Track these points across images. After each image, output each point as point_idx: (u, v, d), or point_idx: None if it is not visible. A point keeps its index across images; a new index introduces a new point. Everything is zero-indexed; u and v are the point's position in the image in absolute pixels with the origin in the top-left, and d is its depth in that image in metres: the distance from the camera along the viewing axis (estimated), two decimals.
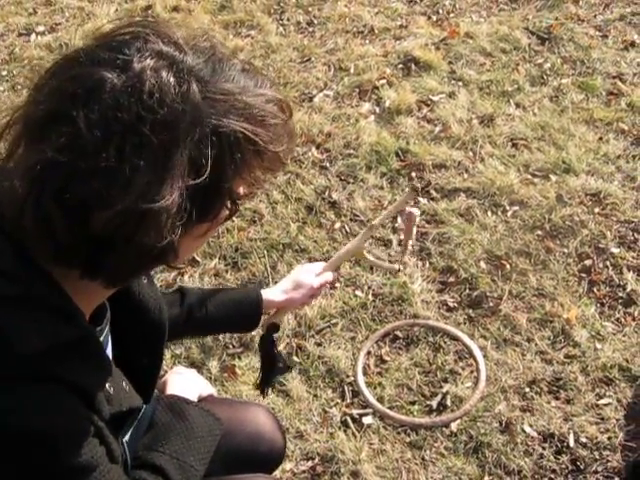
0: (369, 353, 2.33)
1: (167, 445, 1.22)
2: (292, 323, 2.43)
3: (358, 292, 2.50)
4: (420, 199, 2.84)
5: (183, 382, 1.48)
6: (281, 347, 2.38)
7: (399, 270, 1.73)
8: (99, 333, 1.07)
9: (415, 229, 1.65)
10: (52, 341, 0.87)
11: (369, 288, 2.51)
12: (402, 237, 1.59)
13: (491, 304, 2.43)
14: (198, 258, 2.71)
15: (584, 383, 2.19)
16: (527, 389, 2.19)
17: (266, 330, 1.67)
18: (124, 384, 1.06)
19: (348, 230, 2.75)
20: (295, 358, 2.34)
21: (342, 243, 2.70)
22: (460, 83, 3.41)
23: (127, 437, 1.22)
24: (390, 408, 2.17)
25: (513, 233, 2.66)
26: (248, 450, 1.57)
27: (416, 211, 1.56)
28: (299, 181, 2.98)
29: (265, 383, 1.80)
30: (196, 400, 1.45)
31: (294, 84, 3.50)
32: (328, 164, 3.06)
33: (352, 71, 3.55)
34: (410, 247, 1.68)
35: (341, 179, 2.98)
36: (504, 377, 2.22)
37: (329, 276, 1.63)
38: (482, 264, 2.55)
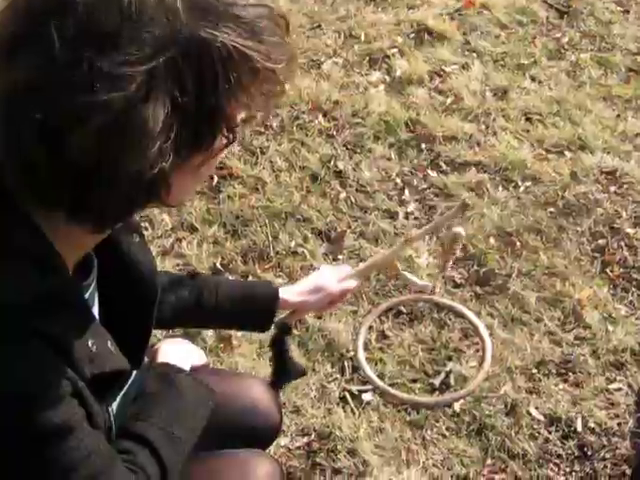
0: (371, 328, 2.24)
1: (155, 415, 1.15)
2: None
3: (362, 264, 2.40)
4: (429, 172, 2.74)
5: (176, 351, 1.40)
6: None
7: (433, 290, 1.63)
8: (85, 289, 0.99)
9: (457, 251, 1.49)
10: (32, 293, 0.81)
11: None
12: (441, 255, 1.47)
13: (499, 282, 2.34)
14: (197, 224, 2.62)
15: (594, 366, 2.10)
16: (534, 370, 2.10)
17: (277, 330, 1.57)
18: (109, 344, 0.97)
19: (353, 201, 2.65)
20: (294, 331, 2.25)
21: (346, 214, 2.60)
22: (474, 54, 3.28)
23: (115, 405, 1.14)
24: (391, 385, 2.08)
25: (525, 209, 2.56)
26: (242, 424, 1.49)
27: (462, 232, 1.42)
28: (304, 149, 2.87)
29: (276, 386, 1.71)
30: (189, 369, 1.37)
31: (303, 50, 3.37)
32: (335, 133, 2.95)
33: (363, 39, 3.43)
34: (448, 269, 1.56)
35: (348, 148, 2.88)
36: (511, 357, 2.13)
37: (352, 284, 1.50)
38: (491, 240, 2.46)
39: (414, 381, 2.11)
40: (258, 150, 2.89)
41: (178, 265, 2.48)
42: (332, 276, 1.49)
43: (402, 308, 2.29)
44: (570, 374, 2.09)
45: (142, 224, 2.63)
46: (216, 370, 1.55)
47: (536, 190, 2.62)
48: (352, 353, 2.18)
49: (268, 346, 1.63)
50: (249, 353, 2.19)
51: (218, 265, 2.46)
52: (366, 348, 2.19)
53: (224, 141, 0.83)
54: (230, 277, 2.38)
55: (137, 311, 1.15)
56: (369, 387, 2.10)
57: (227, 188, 2.73)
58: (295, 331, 2.25)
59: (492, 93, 3.07)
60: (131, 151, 0.74)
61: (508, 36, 3.39)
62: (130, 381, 1.20)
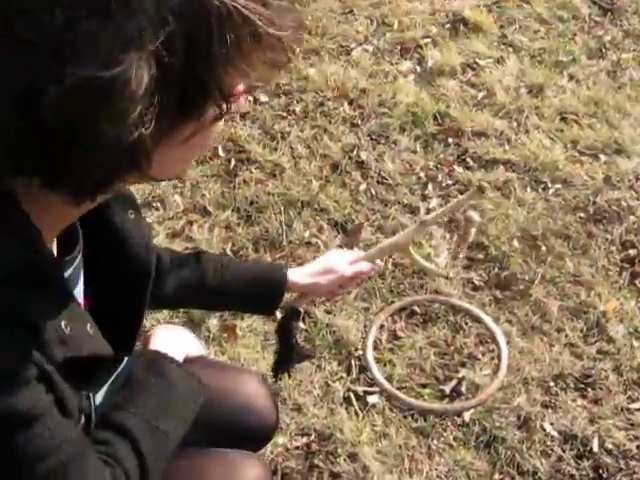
0: (382, 327, 2.14)
1: (139, 405, 1.07)
2: None
3: (377, 260, 2.29)
4: (455, 167, 2.62)
5: (170, 338, 1.32)
6: None
7: (447, 277, 1.54)
8: (68, 264, 0.92)
9: (472, 235, 1.43)
10: (2, 267, 0.75)
11: (390, 257, 2.31)
12: (456, 240, 1.39)
13: (521, 287, 2.22)
14: (210, 208, 2.53)
15: (616, 383, 1.98)
16: (552, 383, 1.98)
17: (284, 314, 1.50)
18: (88, 327, 0.89)
19: (373, 193, 2.54)
20: (301, 324, 2.16)
21: (365, 206, 2.50)
22: (510, 49, 3.15)
23: (101, 394, 1.06)
24: (399, 389, 1.98)
25: (553, 213, 2.43)
26: (235, 422, 1.40)
27: (477, 216, 1.40)
28: (326, 137, 2.77)
29: (278, 370, 1.64)
30: (182, 360, 1.29)
31: (332, 36, 3.27)
32: (360, 122, 2.84)
33: (395, 27, 3.31)
34: (462, 255, 1.48)
35: (372, 139, 2.77)
36: (527, 368, 2.02)
37: (365, 266, 1.44)
38: (515, 243, 2.33)
39: (423, 386, 2.00)
40: (279, 135, 2.79)
41: (187, 249, 2.39)
42: (342, 258, 1.43)
43: (416, 308, 2.18)
44: (589, 390, 1.97)
45: (153, 204, 2.56)
46: (212, 362, 1.46)
47: (566, 193, 2.49)
48: (360, 352, 2.08)
49: (275, 331, 1.55)
50: (253, 345, 2.10)
51: (228, 251, 2.37)
52: (375, 348, 2.09)
53: (218, 111, 0.74)
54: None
55: (128, 290, 1.07)
56: (375, 389, 2.00)
57: (244, 172, 2.64)
58: (302, 325, 2.15)
59: (527, 90, 2.93)
60: (109, 114, 0.65)
61: (547, 32, 3.24)
62: (120, 369, 1.12)
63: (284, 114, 2.90)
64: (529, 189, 2.52)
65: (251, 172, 2.64)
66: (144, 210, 2.55)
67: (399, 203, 2.49)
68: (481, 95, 2.92)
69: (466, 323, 2.14)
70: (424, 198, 2.51)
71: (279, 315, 1.54)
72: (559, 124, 2.77)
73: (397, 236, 1.51)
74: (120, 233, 1.03)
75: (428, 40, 3.21)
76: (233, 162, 2.69)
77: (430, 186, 2.56)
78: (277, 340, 1.58)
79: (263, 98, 2.98)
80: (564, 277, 2.24)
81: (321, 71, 3.07)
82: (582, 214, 2.43)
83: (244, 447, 1.42)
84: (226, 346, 2.11)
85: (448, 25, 3.29)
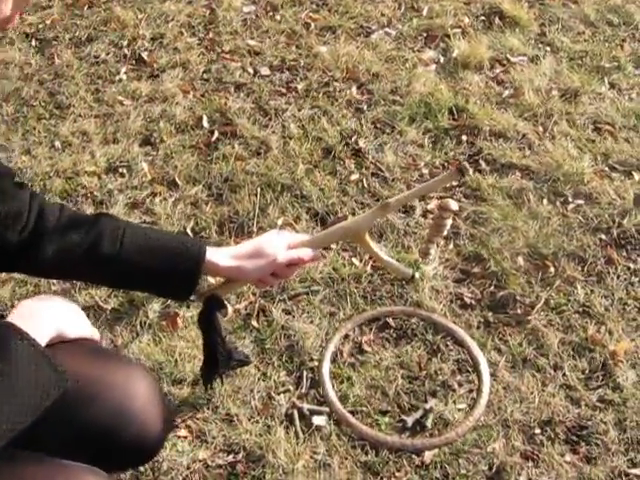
0: (347, 337, 1.81)
1: None
2: None
3: (355, 260, 1.97)
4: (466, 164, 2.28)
5: (37, 311, 1.05)
6: (242, 305, 1.88)
7: (413, 277, 1.22)
8: None
9: (448, 226, 1.18)
10: None
11: (370, 258, 1.98)
12: (428, 232, 1.12)
13: (519, 311, 1.87)
14: (179, 181, 2.23)
15: (616, 441, 1.62)
16: (537, 430, 1.63)
17: (204, 303, 1.22)
18: None
19: (365, 185, 2.22)
20: (254, 322, 1.84)
21: (353, 198, 2.17)
22: (548, 48, 2.81)
23: None
24: (352, 413, 1.66)
25: (569, 231, 2.08)
26: (109, 427, 1.09)
27: (454, 204, 1.15)
28: (325, 118, 2.45)
29: (207, 376, 1.34)
30: (49, 338, 1.01)
31: (353, 15, 2.96)
32: (365, 107, 2.52)
33: (425, 13, 2.98)
34: (435, 249, 1.18)
35: (376, 127, 2.44)
36: (511, 408, 1.67)
37: (305, 253, 1.18)
38: (520, 260, 1.99)
39: (383, 413, 1.67)
40: (272, 111, 2.49)
41: (143, 223, 2.09)
42: (279, 241, 1.18)
43: (390, 321, 1.85)
44: (582, 444, 1.61)
45: (119, 170, 2.27)
46: (96, 349, 1.15)
47: (588, 211, 2.14)
48: (316, 363, 1.75)
49: (197, 326, 1.26)
50: (194, 338, 1.79)
51: (189, 230, 2.07)
52: (334, 361, 1.76)
53: None
54: None
55: None
56: (324, 409, 1.67)
57: (225, 147, 2.34)
58: (255, 323, 1.84)
59: (560, 93, 2.58)
60: None
61: (593, 35, 2.89)
62: None
63: (283, 90, 2.60)
64: (545, 201, 2.17)
65: (233, 147, 2.34)
66: (109, 175, 2.27)
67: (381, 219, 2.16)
68: (507, 93, 2.58)
69: (446, 345, 1.80)
70: (422, 198, 2.17)
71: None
72: (591, 134, 2.41)
73: (351, 219, 1.21)
74: None
75: (458, 30, 2.89)
76: (216, 134, 2.39)
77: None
78: (202, 338, 1.28)
79: (264, 71, 2.68)
80: (571, 306, 1.89)
81: (333, 50, 2.76)
82: (603, 236, 2.07)
83: (112, 462, 1.11)
84: (161, 335, 1.80)
85: (482, 17, 2.96)
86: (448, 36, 2.86)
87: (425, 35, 2.89)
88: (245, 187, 2.19)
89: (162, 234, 1.25)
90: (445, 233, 1.21)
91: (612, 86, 2.64)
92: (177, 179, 2.23)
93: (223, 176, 2.23)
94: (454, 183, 2.19)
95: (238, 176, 2.23)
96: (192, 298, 1.19)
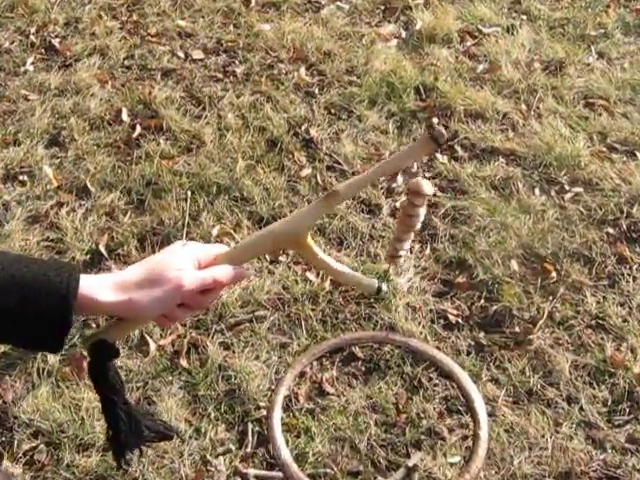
0: (303, 375, 1.42)
1: None
2: None
3: (310, 275, 1.58)
4: (438, 156, 1.91)
5: None
6: (168, 340, 1.47)
7: (379, 291, 0.79)
8: None
9: (421, 217, 0.80)
10: None
11: (316, 270, 1.59)
12: (396, 227, 0.79)
13: (517, 329, 1.50)
14: (92, 187, 1.82)
15: None
16: None
17: (90, 352, 0.82)
18: None
19: (320, 181, 1.83)
20: (183, 362, 1.44)
21: (306, 198, 1.78)
22: (524, 17, 2.45)
23: None
24: (314, 478, 1.26)
25: (570, 225, 1.71)
26: None
27: (427, 185, 0.79)
28: (269, 105, 2.06)
29: (116, 450, 0.92)
30: None
31: None
32: (317, 90, 2.13)
33: None
34: (406, 251, 0.80)
35: (330, 112, 2.06)
36: (518, 458, 1.29)
37: (223, 272, 0.81)
38: (513, 264, 1.61)
39: (353, 475, 1.28)
40: (206, 99, 2.08)
41: (45, 240, 1.68)
42: (185, 258, 0.81)
43: (357, 351, 1.46)
44: None
45: (19, 177, 1.85)
46: None
47: (590, 200, 1.77)
48: (264, 412, 1.35)
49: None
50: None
51: (101, 248, 1.66)
52: (287, 408, 1.36)
53: None
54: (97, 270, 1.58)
55: None
56: (277, 474, 1.27)
57: (148, 144, 1.93)
58: (184, 363, 1.43)
59: (542, 66, 2.22)
60: None
61: (573, 1, 2.54)
62: None
63: (220, 75, 2.20)
64: (538, 191, 1.80)
65: (158, 144, 1.93)
66: (6, 185, 1.85)
67: (354, 198, 1.77)
68: (481, 68, 2.21)
69: (430, 379, 1.41)
70: (389, 193, 1.79)
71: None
72: (583, 110, 2.06)
73: (284, 219, 0.82)
74: None
75: (420, 1, 2.51)
76: (138, 130, 1.98)
77: (400, 178, 1.84)
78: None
79: (197, 54, 2.28)
80: (581, 319, 1.52)
81: (278, 28, 2.37)
82: (611, 230, 1.71)
83: None
84: (64, 387, 1.39)
85: None
86: (409, 7, 2.49)
87: (383, 8, 2.51)
88: (172, 191, 1.79)
89: (24, 261, 0.84)
90: (418, 227, 0.83)
91: (601, 55, 2.29)
92: (89, 185, 1.82)
93: (145, 179, 1.83)
94: (426, 160, 1.80)
95: (164, 178, 1.82)
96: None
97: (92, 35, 2.38)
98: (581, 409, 1.36)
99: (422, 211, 0.78)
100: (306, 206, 0.83)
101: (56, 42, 2.34)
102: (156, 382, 1.40)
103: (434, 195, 1.79)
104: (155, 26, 2.40)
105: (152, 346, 1.46)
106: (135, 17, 2.46)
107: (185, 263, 0.81)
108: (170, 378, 1.41)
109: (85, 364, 1.43)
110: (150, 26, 2.41)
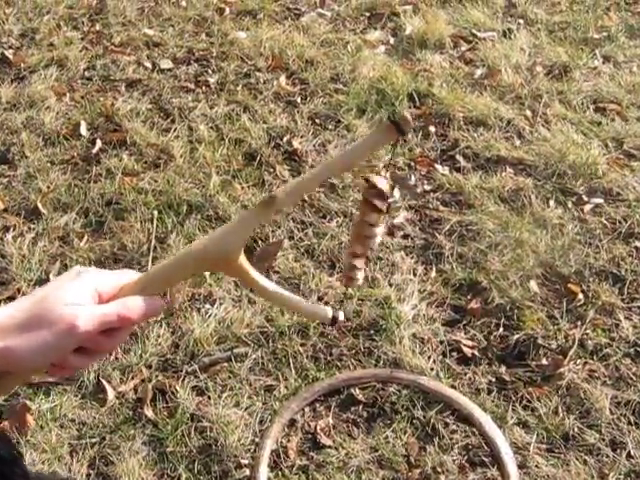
0: (293, 424, 1.18)
1: None
2: (160, 340, 1.28)
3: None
4: (437, 167, 1.69)
5: None
6: (129, 385, 1.23)
7: (335, 321, 0.54)
8: None
9: (383, 223, 0.66)
10: None
11: (319, 299, 1.36)
12: (350, 235, 0.60)
13: (545, 361, 1.27)
14: (43, 209, 1.58)
15: None
16: None
17: None
18: None
19: (306, 197, 1.60)
20: (148, 412, 1.19)
21: (290, 216, 1.55)
22: (521, 21, 2.27)
23: None
24: None
25: (593, 239, 1.50)
26: None
27: (381, 180, 0.64)
28: (246, 116, 1.84)
29: None
30: None
31: None
32: (299, 100, 1.92)
33: None
34: (364, 264, 0.59)
35: (314, 122, 1.84)
36: None
37: (131, 305, 0.61)
38: (533, 285, 1.39)
39: None
40: (176, 111, 1.86)
41: None
42: (81, 290, 0.61)
43: (357, 392, 1.22)
44: None
45: None
46: None
47: (612, 212, 1.56)
48: (247, 472, 1.11)
49: None
50: (53, 444, 1.13)
51: (52, 277, 1.41)
52: (275, 465, 1.12)
53: None
54: None
55: None
56: None
57: (109, 160, 1.70)
58: (149, 413, 1.19)
59: (545, 70, 2.03)
60: None
61: (570, 5, 2.37)
62: None
63: (191, 85, 1.98)
64: (553, 203, 1.59)
65: (121, 159, 1.70)
66: None
67: (344, 215, 1.55)
68: (479, 73, 2.02)
69: (445, 425, 1.17)
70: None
71: None
72: (594, 115, 1.86)
73: (208, 235, 0.59)
74: None
75: (409, 7, 2.33)
76: (98, 145, 1.75)
77: (397, 193, 1.62)
78: None
79: (165, 64, 2.06)
80: (617, 347, 1.29)
81: (255, 36, 2.17)
82: (639, 243, 1.50)
83: None
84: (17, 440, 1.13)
85: None
86: (396, 14, 2.30)
87: (368, 15, 2.33)
88: (136, 211, 1.55)
89: None
90: (378, 239, 0.63)
91: (606, 59, 2.11)
92: (40, 206, 1.58)
93: (105, 198, 1.59)
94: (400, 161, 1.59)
95: (127, 197, 1.58)
96: None
97: (50, 46, 2.16)
98: (629, 456, 1.13)
99: (374, 217, 0.62)
100: (235, 217, 0.62)
101: (9, 53, 2.11)
102: (115, 437, 1.16)
103: (436, 210, 1.58)
104: (120, 35, 2.19)
105: (110, 393, 1.21)
106: (98, 27, 2.24)
107: (81, 296, 0.60)
108: (132, 432, 1.17)
109: (29, 417, 1.18)
110: (114, 35, 2.19)
